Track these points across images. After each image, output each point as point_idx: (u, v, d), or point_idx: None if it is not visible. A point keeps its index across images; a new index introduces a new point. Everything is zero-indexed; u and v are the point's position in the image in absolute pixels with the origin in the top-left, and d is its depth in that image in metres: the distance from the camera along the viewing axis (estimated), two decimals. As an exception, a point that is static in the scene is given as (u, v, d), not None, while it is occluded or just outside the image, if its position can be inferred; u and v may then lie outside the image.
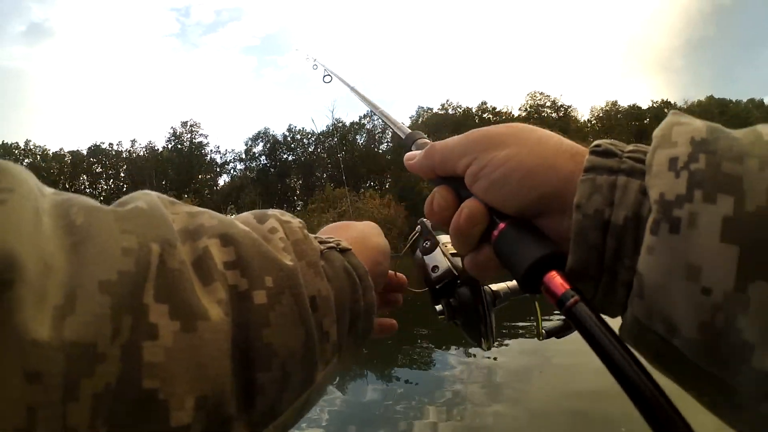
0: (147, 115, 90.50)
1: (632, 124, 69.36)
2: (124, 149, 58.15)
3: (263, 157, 61.44)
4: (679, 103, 69.29)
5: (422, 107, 63.93)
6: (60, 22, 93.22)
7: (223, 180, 61.89)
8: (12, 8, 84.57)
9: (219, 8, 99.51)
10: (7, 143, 53.04)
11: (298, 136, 62.51)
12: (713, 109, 69.40)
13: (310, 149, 62.29)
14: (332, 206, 31.52)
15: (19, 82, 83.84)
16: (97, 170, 57.32)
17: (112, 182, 58.04)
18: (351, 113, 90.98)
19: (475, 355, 6.52)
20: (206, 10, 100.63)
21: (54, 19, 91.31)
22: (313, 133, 62.25)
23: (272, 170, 59.76)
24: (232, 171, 62.16)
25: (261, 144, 61.78)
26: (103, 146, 57.18)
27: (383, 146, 62.16)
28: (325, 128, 62.00)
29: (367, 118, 62.02)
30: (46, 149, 55.65)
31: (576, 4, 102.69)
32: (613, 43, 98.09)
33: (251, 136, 62.39)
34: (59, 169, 54.70)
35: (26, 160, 53.44)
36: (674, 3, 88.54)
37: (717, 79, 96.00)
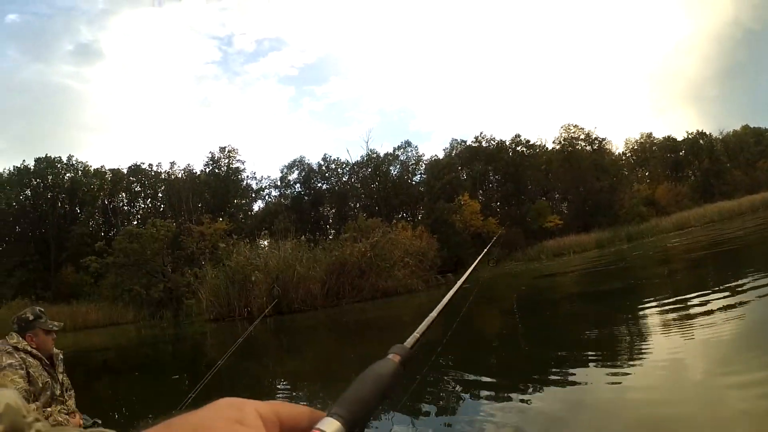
0: (187, 139, 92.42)
1: (667, 156, 68.12)
2: (163, 170, 59.23)
3: (298, 185, 62.00)
4: (714, 134, 67.65)
5: (456, 139, 63.91)
6: (107, 44, 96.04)
7: (257, 205, 62.56)
8: (62, 28, 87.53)
9: (261, 38, 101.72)
10: (50, 156, 54.12)
11: (333, 166, 63.09)
12: (749, 139, 67.88)
13: (344, 179, 62.77)
14: (365, 236, 31.50)
15: (65, 99, 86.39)
16: (136, 189, 58.23)
17: (150, 201, 59.04)
18: (385, 144, 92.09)
19: (509, 398, 6.41)
20: (248, 39, 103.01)
21: (102, 41, 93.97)
22: (347, 163, 62.95)
23: (306, 198, 60.21)
24: (266, 197, 62.90)
25: (296, 172, 62.38)
26: (143, 166, 58.18)
27: (417, 177, 62.20)
28: (359, 158, 62.45)
29: (401, 150, 62.53)
30: (87, 165, 56.64)
31: (609, 37, 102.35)
32: (646, 75, 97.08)
33: (287, 164, 63.11)
34: (99, 186, 55.68)
35: (68, 175, 54.89)
36: (705, 31, 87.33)
37: (752, 107, 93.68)
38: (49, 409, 3.50)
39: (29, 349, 3.72)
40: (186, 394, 8.90)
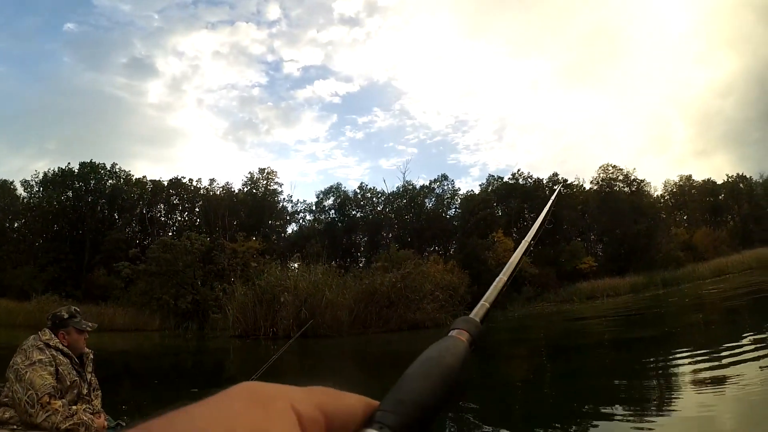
0: (228, 158, 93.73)
1: (707, 200, 66.59)
2: (202, 186, 60.05)
3: (333, 211, 62.35)
4: (755, 177, 65.71)
5: (492, 175, 63.89)
6: (160, 60, 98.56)
7: (291, 228, 63.03)
8: (118, 40, 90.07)
9: (307, 65, 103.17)
10: (94, 162, 55.61)
11: (369, 195, 63.47)
12: (790, 183, 65.61)
13: (378, 208, 62.94)
14: (396, 266, 31.38)
15: (115, 109, 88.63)
16: (175, 201, 59.20)
17: (187, 215, 59.89)
18: (423, 176, 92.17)
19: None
20: (295, 66, 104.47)
21: (155, 57, 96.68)
22: (383, 193, 63.25)
23: (340, 225, 60.37)
24: (301, 221, 63.39)
25: (332, 198, 62.90)
26: (184, 180, 59.17)
27: (451, 211, 62.21)
28: (395, 189, 62.72)
29: (437, 183, 62.57)
30: (130, 174, 58.06)
31: (648, 77, 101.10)
32: (686, 115, 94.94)
33: (323, 190, 63.85)
34: (139, 195, 56.91)
35: (110, 181, 56.30)
36: (749, 74, 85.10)
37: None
38: (74, 407, 3.46)
39: (60, 346, 3.70)
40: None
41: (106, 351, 19.74)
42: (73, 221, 53.22)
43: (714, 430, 5.74)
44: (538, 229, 1.01)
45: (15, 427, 3.31)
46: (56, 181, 53.85)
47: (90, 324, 4.04)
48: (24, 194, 55.50)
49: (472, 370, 9.46)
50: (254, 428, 0.33)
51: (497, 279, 0.70)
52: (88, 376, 3.88)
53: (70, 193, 54.18)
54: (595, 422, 6.74)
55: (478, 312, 0.57)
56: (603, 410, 7.25)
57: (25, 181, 55.26)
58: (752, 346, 9.90)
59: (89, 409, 3.61)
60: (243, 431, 0.32)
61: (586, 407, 7.72)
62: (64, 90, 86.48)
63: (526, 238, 0.94)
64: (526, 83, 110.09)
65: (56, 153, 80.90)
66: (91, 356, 4.04)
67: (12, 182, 56.82)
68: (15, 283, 42.51)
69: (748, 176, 66.61)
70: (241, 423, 0.33)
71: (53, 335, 3.77)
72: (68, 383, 3.57)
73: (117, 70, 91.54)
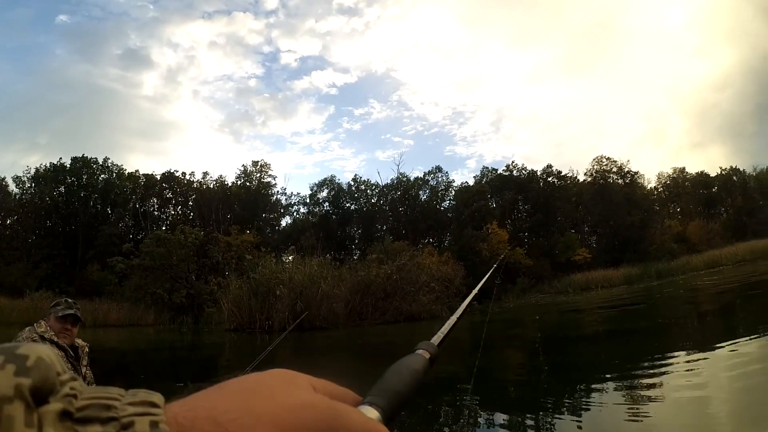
0: (222, 150, 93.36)
1: (700, 192, 67.09)
2: (195, 180, 59.81)
3: (327, 204, 62.34)
4: (748, 170, 66.76)
5: (487, 167, 63.78)
6: (155, 51, 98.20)
7: (285, 221, 63.01)
8: (112, 31, 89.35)
9: (305, 56, 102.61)
10: (86, 157, 55.47)
11: (363, 187, 63.45)
12: (783, 176, 65.92)
13: (373, 200, 62.92)
14: (391, 258, 31.32)
15: (109, 102, 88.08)
16: (168, 195, 59.03)
17: (180, 209, 59.75)
18: (419, 168, 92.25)
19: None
20: (293, 57, 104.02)
21: (150, 48, 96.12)
22: (377, 185, 63.23)
23: (334, 217, 60.42)
24: (295, 213, 63.36)
25: (326, 190, 62.88)
26: (177, 174, 58.93)
27: (445, 203, 62.27)
28: (389, 181, 62.77)
29: (431, 175, 62.54)
30: (122, 168, 57.90)
31: (646, 70, 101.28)
32: (684, 110, 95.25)
33: (317, 182, 63.86)
34: (132, 189, 56.72)
35: (102, 176, 56.02)
36: (746, 67, 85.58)
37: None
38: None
39: (55, 339, 3.65)
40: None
41: (101, 346, 19.65)
42: (66, 217, 53.01)
43: (707, 416, 5.75)
44: (487, 279, 1.17)
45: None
46: (48, 177, 53.63)
47: (68, 311, 3.83)
48: (16, 190, 55.33)
49: (466, 363, 9.48)
50: (288, 383, 0.46)
51: (452, 317, 0.93)
52: (83, 370, 3.82)
53: (62, 189, 53.99)
54: (588, 409, 6.75)
55: (436, 339, 0.78)
56: (597, 399, 7.27)
57: (17, 177, 55.12)
58: (746, 336, 9.93)
59: (84, 403, 3.54)
60: (279, 384, 0.45)
61: (579, 395, 7.74)
62: (56, 83, 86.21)
63: (475, 289, 1.14)
64: (523, 75, 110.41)
65: (48, 147, 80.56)
66: (87, 350, 3.98)
67: (3, 178, 56.70)
68: (8, 280, 42.34)
69: (741, 169, 67.36)
70: (277, 381, 0.46)
71: (48, 327, 3.72)
72: (63, 377, 3.51)
73: (111, 61, 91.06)
